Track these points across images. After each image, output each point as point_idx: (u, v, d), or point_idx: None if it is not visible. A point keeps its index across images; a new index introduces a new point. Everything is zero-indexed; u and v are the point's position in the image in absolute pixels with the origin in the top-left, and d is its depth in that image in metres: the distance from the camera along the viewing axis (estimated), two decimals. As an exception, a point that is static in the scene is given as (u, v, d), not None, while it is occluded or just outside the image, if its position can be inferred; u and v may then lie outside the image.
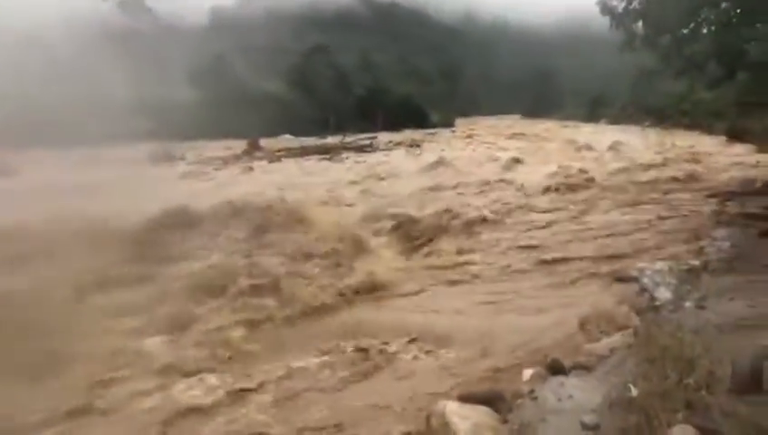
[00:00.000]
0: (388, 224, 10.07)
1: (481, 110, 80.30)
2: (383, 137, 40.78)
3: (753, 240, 7.63)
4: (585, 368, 4.10)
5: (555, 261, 7.66)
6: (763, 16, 10.30)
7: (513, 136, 36.79)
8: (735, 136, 24.99)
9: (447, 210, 10.78)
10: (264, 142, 33.81)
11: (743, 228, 8.43)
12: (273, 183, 16.15)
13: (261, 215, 8.46)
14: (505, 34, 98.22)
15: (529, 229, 9.80)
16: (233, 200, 9.19)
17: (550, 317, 5.44)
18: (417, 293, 6.97)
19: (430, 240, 9.35)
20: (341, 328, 5.81)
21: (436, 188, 14.42)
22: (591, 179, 14.46)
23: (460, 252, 8.60)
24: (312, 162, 25.22)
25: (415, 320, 5.89)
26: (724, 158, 19.40)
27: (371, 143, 34.21)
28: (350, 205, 12.58)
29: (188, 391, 4.48)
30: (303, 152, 30.14)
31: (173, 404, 4.30)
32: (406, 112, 59.27)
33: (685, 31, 10.38)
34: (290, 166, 23.72)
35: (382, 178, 16.39)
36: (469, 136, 40.89)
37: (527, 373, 4.18)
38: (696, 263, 6.62)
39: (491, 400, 3.65)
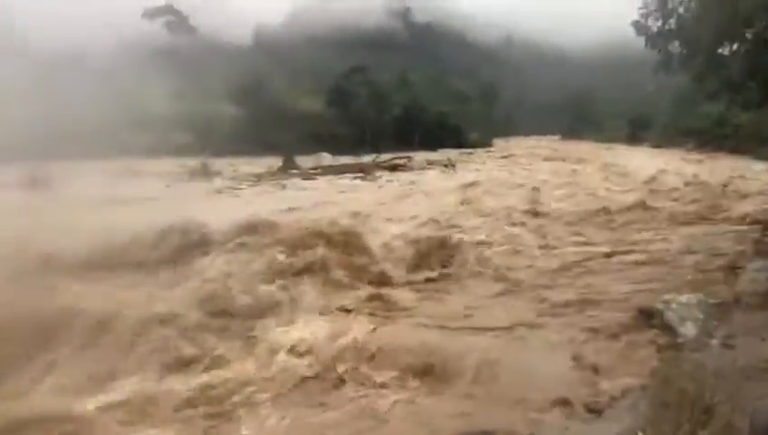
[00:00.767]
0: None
1: (519, 130, 79.53)
2: (419, 156, 40.68)
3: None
4: (594, 411, 3.84)
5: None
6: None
7: (550, 158, 36.21)
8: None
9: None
10: (300, 160, 34.10)
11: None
12: (298, 200, 16.11)
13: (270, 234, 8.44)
14: (543, 56, 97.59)
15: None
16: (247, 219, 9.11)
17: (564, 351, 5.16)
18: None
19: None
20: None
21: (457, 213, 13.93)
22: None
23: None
24: (345, 181, 25.27)
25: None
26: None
27: (405, 163, 34.11)
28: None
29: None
30: (338, 170, 30.22)
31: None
32: (443, 131, 59.04)
33: (720, 51, 10.01)
34: (322, 184, 23.81)
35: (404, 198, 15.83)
36: (505, 157, 40.44)
37: (531, 414, 3.96)
38: (728, 296, 6.24)
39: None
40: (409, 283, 8.25)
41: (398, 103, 61.68)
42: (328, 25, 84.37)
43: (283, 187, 22.96)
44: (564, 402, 3.86)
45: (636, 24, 11.66)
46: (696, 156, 34.79)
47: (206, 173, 28.05)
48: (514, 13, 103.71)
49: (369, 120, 58.90)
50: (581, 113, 74.55)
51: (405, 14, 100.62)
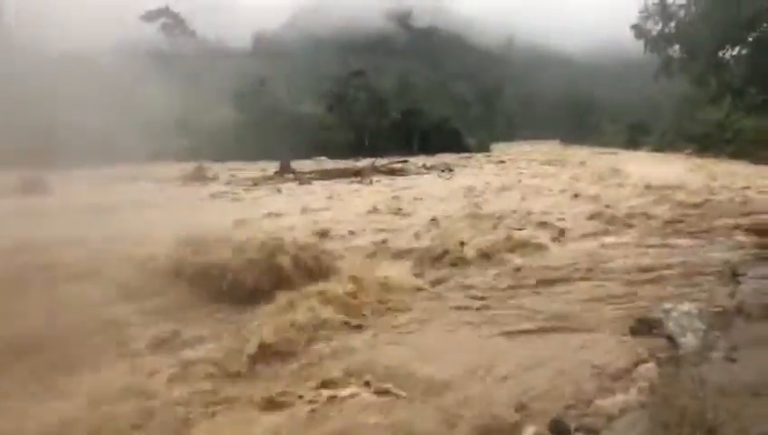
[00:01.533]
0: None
1: (518, 135, 79.34)
2: (417, 160, 40.59)
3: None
4: (590, 431, 3.61)
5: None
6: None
7: (548, 163, 36.03)
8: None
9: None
10: (296, 164, 34.01)
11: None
12: (288, 206, 15.86)
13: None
14: (543, 60, 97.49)
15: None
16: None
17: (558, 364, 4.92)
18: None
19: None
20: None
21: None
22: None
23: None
24: (341, 185, 25.10)
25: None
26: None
27: (402, 167, 34.02)
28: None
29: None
30: (334, 175, 30.15)
31: None
32: (442, 136, 59.08)
33: (721, 54, 9.84)
34: (317, 188, 23.62)
35: (398, 211, 15.44)
36: (502, 161, 40.34)
37: (528, 432, 3.73)
38: (730, 305, 6.01)
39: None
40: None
41: (397, 108, 61.69)
42: (327, 29, 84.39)
43: (278, 191, 22.81)
44: (557, 424, 3.64)
45: (636, 28, 11.53)
46: (696, 160, 34.61)
47: (201, 178, 27.94)
48: (515, 16, 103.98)
49: (369, 124, 58.96)
50: (582, 118, 74.59)
51: (405, 18, 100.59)
